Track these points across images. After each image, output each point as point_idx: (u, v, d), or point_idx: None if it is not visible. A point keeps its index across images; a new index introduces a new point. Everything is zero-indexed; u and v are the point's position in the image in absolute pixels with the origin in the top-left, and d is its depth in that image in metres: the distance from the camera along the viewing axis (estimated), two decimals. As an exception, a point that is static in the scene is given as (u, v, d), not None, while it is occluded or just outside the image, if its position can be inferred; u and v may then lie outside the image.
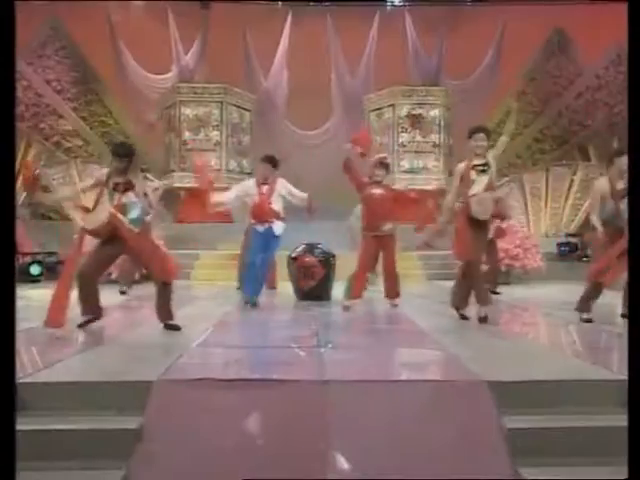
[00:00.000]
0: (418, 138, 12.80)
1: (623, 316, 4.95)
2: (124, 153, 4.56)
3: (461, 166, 5.08)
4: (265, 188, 6.15)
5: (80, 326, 4.59)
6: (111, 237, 4.48)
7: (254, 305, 6.10)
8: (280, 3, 15.49)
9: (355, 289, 5.94)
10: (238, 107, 13.13)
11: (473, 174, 4.94)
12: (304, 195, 6.33)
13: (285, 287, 7.12)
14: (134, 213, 4.46)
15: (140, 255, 4.59)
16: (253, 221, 6.20)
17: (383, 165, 6.20)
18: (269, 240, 6.12)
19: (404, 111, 12.84)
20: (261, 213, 6.09)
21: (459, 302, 5.18)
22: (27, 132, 12.83)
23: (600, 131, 14.15)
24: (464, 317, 5.14)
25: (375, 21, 14.84)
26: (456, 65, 14.11)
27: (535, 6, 13.85)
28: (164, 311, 4.62)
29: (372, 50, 14.79)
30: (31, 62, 13.64)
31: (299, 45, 14.47)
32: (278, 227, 6.11)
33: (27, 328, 4.51)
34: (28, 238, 9.64)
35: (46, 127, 13.89)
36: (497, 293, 7.25)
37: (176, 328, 4.57)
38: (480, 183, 4.91)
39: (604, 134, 14.02)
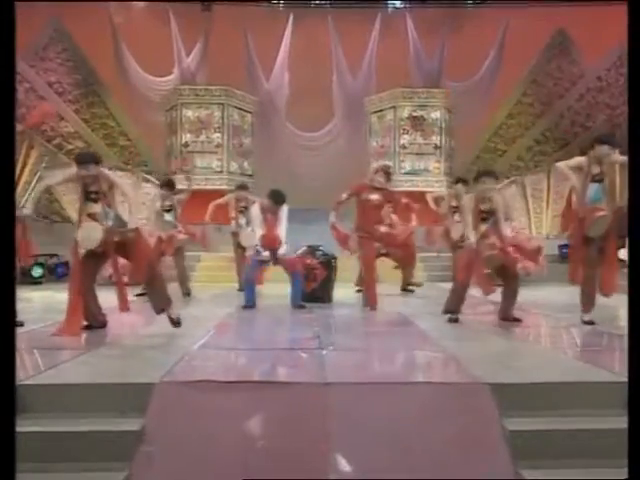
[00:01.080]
0: (419, 140, 12.80)
1: (585, 322, 4.97)
2: (86, 160, 4.58)
3: (469, 200, 5.24)
4: (270, 215, 6.27)
5: (85, 328, 4.65)
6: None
7: (254, 306, 6.22)
8: (281, 5, 15.51)
9: (371, 297, 6.13)
10: (239, 109, 13.14)
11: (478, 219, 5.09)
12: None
13: (286, 289, 7.12)
14: (108, 222, 4.54)
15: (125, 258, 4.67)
16: (261, 248, 6.28)
17: (385, 173, 6.27)
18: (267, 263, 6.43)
19: (405, 113, 12.84)
20: (271, 242, 6.18)
21: (454, 307, 5.21)
22: (29, 134, 12.84)
23: (602, 133, 14.12)
24: (454, 320, 5.16)
25: (376, 23, 14.84)
26: (457, 67, 14.10)
27: (537, 8, 13.85)
28: (158, 301, 4.65)
29: (373, 52, 14.79)
30: (33, 64, 13.66)
31: (300, 47, 14.48)
32: (281, 250, 6.25)
33: (29, 330, 4.52)
34: (30, 240, 9.62)
35: (47, 129, 13.90)
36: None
37: (175, 322, 4.62)
38: (479, 231, 5.07)
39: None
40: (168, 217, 7.20)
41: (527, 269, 9.25)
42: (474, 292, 5.52)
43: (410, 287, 7.68)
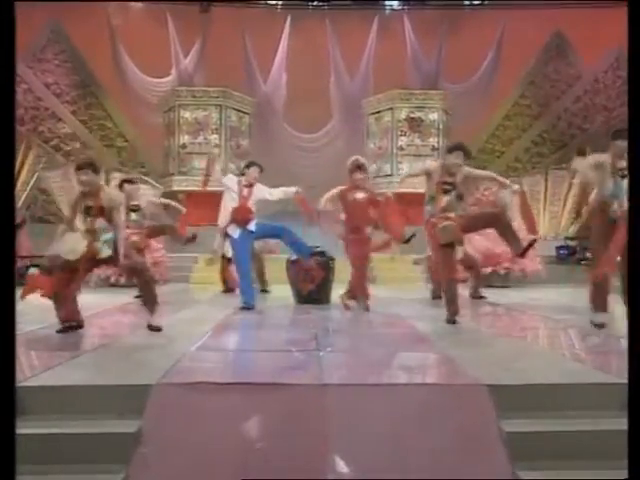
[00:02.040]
0: (417, 141, 12.82)
1: (596, 325, 4.86)
2: (86, 164, 4.50)
3: (433, 164, 5.24)
4: (246, 191, 6.32)
5: (59, 332, 4.55)
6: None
7: (253, 308, 6.17)
8: (279, 7, 15.52)
9: (363, 290, 6.15)
10: (237, 110, 13.15)
11: (436, 189, 5.01)
12: (289, 189, 6.59)
13: (284, 290, 7.12)
14: (106, 237, 4.46)
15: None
16: (232, 224, 6.25)
17: (359, 167, 6.22)
18: (248, 240, 6.34)
19: (403, 114, 12.86)
20: (243, 215, 6.22)
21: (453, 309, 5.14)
22: (26, 135, 12.84)
23: (599, 135, 14.16)
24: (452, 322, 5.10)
25: (374, 24, 14.87)
26: (455, 69, 14.14)
27: (534, 10, 13.90)
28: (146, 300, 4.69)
29: (371, 53, 14.81)
30: (31, 65, 13.66)
31: (298, 48, 14.50)
32: (251, 225, 6.25)
33: (26, 331, 4.51)
34: (27, 241, 9.62)
35: (45, 130, 13.90)
36: (482, 297, 7.24)
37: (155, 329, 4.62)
38: (439, 202, 4.99)
39: (603, 138, 14.02)
40: (134, 217, 7.12)
41: (524, 271, 9.32)
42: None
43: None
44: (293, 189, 6.59)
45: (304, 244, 6.41)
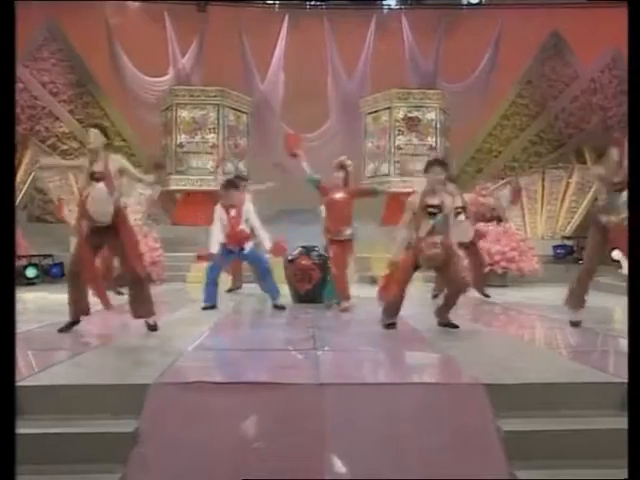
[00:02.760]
0: (414, 141, 12.82)
1: (572, 324, 4.93)
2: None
3: (412, 201, 4.78)
4: (234, 211, 6.26)
5: (61, 330, 4.60)
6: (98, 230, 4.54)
7: (213, 307, 6.21)
8: (277, 6, 15.51)
9: (343, 291, 6.09)
10: (235, 110, 13.13)
11: (424, 215, 4.67)
12: (263, 236, 6.41)
13: (281, 289, 7.11)
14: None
15: (120, 245, 4.58)
16: (227, 244, 6.27)
17: (341, 168, 6.24)
18: (244, 257, 6.45)
19: (401, 114, 12.85)
20: (236, 239, 6.22)
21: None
22: (23, 134, 12.80)
23: (596, 134, 14.20)
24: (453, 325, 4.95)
25: (372, 24, 14.86)
26: (453, 68, 14.14)
27: (531, 10, 13.91)
28: (140, 307, 4.65)
29: (369, 53, 14.80)
30: (27, 64, 13.62)
31: (296, 48, 14.48)
32: (248, 247, 6.29)
33: (24, 331, 4.50)
34: (25, 240, 9.60)
35: (42, 129, 13.87)
36: (487, 296, 7.26)
37: (153, 329, 4.64)
38: (426, 227, 4.65)
39: (600, 137, 14.07)
40: None
41: (521, 270, 9.33)
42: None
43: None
44: (268, 243, 6.38)
45: (275, 289, 6.35)
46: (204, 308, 6.18)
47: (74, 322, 4.67)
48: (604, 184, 4.82)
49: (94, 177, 4.53)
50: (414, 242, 4.72)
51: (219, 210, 6.31)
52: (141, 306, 4.64)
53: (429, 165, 4.82)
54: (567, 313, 5.16)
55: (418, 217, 4.70)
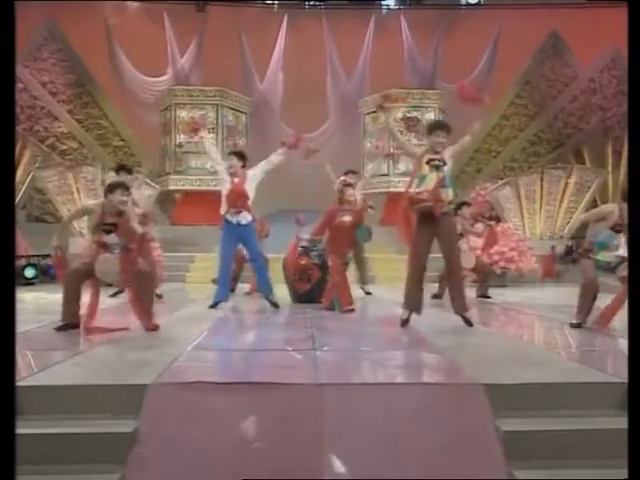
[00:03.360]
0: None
1: (572, 325, 4.94)
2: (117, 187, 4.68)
3: (420, 149, 4.99)
4: (237, 179, 6.27)
5: (58, 329, 4.64)
6: None
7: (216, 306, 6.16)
8: (276, 6, 15.51)
9: (348, 297, 6.07)
10: (234, 110, 13.13)
11: (426, 169, 4.77)
12: (272, 157, 6.76)
13: (280, 289, 7.11)
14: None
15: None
16: (227, 210, 6.19)
17: (348, 186, 6.30)
18: (237, 235, 6.25)
19: (400, 114, 12.86)
20: (236, 197, 6.15)
21: (414, 303, 4.98)
22: (22, 134, 12.80)
23: (595, 134, 14.21)
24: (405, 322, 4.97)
25: (371, 24, 14.88)
26: (452, 68, 14.13)
27: (530, 10, 13.93)
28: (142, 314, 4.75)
29: (368, 53, 14.82)
30: (27, 64, 13.61)
31: (295, 48, 14.49)
32: (245, 217, 6.18)
33: (23, 331, 4.49)
34: (24, 240, 9.59)
35: (41, 129, 13.86)
36: (488, 297, 7.28)
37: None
38: (431, 180, 4.73)
39: (599, 137, 14.09)
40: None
41: (520, 270, 9.35)
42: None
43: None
44: (279, 152, 6.73)
45: (268, 284, 6.32)
46: (211, 306, 6.15)
47: (67, 325, 4.70)
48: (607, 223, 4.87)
49: (105, 230, 4.63)
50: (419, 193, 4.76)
51: (225, 175, 6.38)
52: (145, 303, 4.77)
53: (431, 128, 4.93)
54: (565, 313, 5.17)
55: (427, 173, 4.76)
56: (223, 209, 6.25)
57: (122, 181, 5.22)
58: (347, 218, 6.12)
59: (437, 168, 4.74)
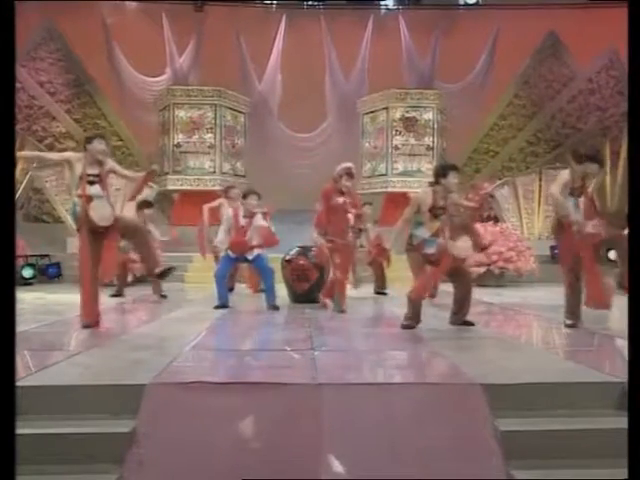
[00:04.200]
0: (412, 141, 12.82)
1: (567, 326, 4.94)
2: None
3: (421, 197, 4.86)
4: (246, 222, 6.21)
5: (85, 327, 4.75)
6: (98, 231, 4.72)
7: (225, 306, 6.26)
8: (274, 6, 15.50)
9: (344, 299, 6.11)
10: (232, 110, 13.12)
11: (431, 217, 4.77)
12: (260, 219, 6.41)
13: (278, 289, 7.11)
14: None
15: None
16: (230, 252, 6.29)
17: (348, 175, 6.16)
18: (238, 261, 6.50)
19: (398, 114, 12.86)
20: (241, 250, 6.22)
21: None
22: (20, 134, 12.77)
23: (593, 134, 14.23)
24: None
25: (369, 24, 14.87)
26: (450, 68, 14.15)
27: (528, 10, 13.93)
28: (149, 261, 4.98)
29: (366, 53, 14.81)
30: (24, 64, 13.57)
31: (293, 48, 14.48)
32: (251, 255, 6.26)
33: (21, 331, 4.49)
34: (22, 240, 9.58)
35: (39, 129, 13.83)
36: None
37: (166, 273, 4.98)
38: (431, 229, 4.77)
39: (597, 138, 14.10)
40: None
41: (519, 270, 9.35)
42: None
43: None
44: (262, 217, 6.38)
45: (273, 293, 6.33)
46: (216, 307, 6.22)
47: (91, 324, 4.79)
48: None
49: (89, 180, 4.69)
50: (417, 242, 4.80)
51: (229, 212, 6.36)
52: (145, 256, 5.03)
53: (447, 169, 4.90)
54: (564, 313, 5.17)
55: (425, 220, 4.79)
56: (222, 243, 6.30)
57: (100, 132, 5.34)
58: (342, 199, 6.09)
59: (437, 217, 4.79)
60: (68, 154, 5.00)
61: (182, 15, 14.36)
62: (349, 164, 6.24)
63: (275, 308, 6.23)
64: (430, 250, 4.77)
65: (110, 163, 4.88)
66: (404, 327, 4.88)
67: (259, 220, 6.27)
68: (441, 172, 4.89)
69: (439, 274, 5.03)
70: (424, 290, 4.99)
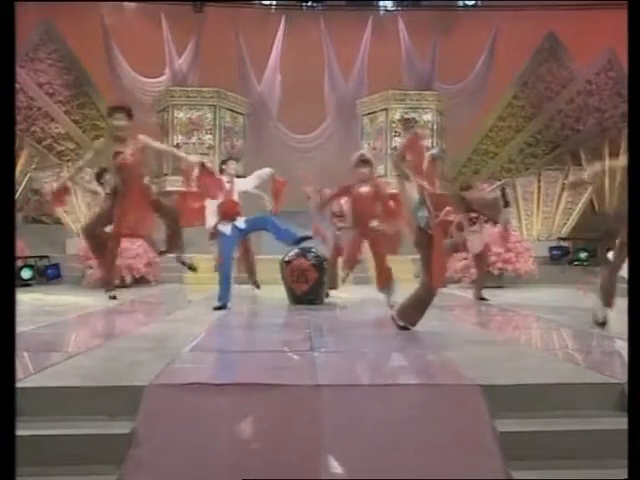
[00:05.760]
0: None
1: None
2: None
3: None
4: (228, 185, 6.45)
5: (111, 297, 4.77)
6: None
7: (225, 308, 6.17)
8: (273, 7, 15.51)
9: (335, 279, 6.21)
10: (231, 111, 13.12)
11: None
12: (262, 171, 6.75)
13: (277, 290, 7.11)
14: None
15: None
16: (222, 220, 6.26)
17: (364, 162, 6.18)
18: (236, 238, 6.42)
19: (397, 115, 12.87)
20: (231, 209, 6.30)
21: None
22: (19, 135, 12.77)
23: (591, 136, 14.25)
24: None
25: (368, 25, 14.88)
26: (449, 69, 14.17)
27: (527, 11, 13.95)
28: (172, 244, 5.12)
29: (365, 54, 14.82)
30: (23, 65, 13.57)
31: (292, 49, 14.49)
32: (241, 222, 6.31)
33: (19, 332, 4.48)
34: (21, 242, 9.58)
35: (38, 130, 13.83)
36: (485, 299, 7.28)
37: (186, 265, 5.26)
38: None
39: (595, 139, 14.12)
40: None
41: (518, 271, 9.35)
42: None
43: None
44: (267, 170, 6.68)
45: (289, 231, 6.29)
46: (215, 308, 6.11)
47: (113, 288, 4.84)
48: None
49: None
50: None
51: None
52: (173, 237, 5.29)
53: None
54: (563, 314, 5.18)
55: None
56: (211, 221, 6.29)
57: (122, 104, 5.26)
58: (364, 188, 6.07)
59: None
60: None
61: (181, 16, 14.37)
62: (362, 151, 6.30)
63: (305, 238, 6.22)
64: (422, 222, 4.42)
65: (144, 140, 4.98)
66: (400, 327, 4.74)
67: (243, 184, 6.51)
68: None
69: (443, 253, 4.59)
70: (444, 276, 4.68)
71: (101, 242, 5.43)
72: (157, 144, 5.02)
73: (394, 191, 10.25)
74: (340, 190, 6.25)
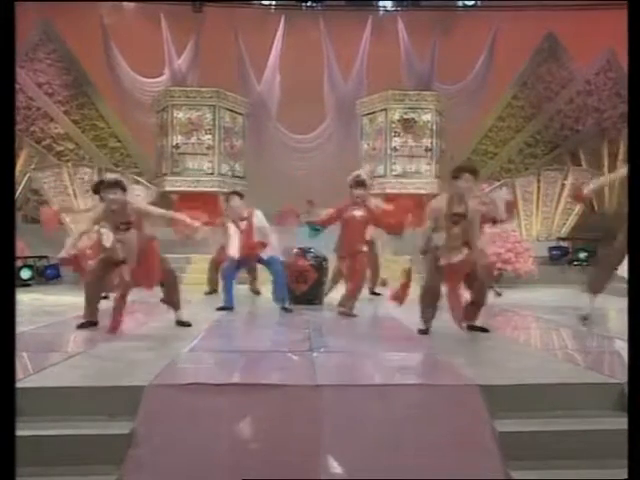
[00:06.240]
0: (410, 142, 12.81)
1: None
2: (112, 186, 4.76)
3: (437, 206, 4.57)
4: (243, 224, 6.10)
5: (80, 327, 4.81)
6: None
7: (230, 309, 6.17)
8: (273, 7, 15.52)
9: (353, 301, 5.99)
10: (231, 111, 13.09)
11: (449, 225, 4.45)
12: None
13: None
14: None
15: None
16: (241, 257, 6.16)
17: (360, 184, 6.08)
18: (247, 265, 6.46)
19: (396, 115, 12.86)
20: (252, 250, 6.09)
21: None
22: (18, 135, 12.76)
23: (591, 136, 14.26)
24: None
25: (368, 26, 14.90)
26: (448, 70, 14.18)
27: (527, 12, 13.97)
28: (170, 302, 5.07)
29: (365, 54, 14.84)
30: (22, 65, 13.57)
31: (292, 49, 14.50)
32: (268, 252, 6.15)
33: (19, 332, 4.48)
34: (20, 242, 9.57)
35: (37, 130, 13.83)
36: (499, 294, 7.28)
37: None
38: (451, 236, 4.44)
39: (595, 139, 14.13)
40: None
41: (517, 271, 9.35)
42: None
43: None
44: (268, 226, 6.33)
45: (284, 292, 6.20)
46: (219, 308, 6.14)
47: (88, 323, 4.90)
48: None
49: (121, 228, 4.75)
50: (437, 249, 4.55)
51: (231, 228, 6.14)
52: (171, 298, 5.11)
53: (458, 171, 4.51)
54: (562, 314, 5.18)
55: (441, 224, 4.51)
56: (234, 254, 6.11)
57: (116, 179, 5.20)
58: (358, 213, 5.99)
59: (456, 224, 4.44)
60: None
61: (181, 16, 14.37)
62: (358, 172, 6.08)
63: (288, 310, 6.06)
64: (453, 259, 4.44)
65: (140, 207, 4.97)
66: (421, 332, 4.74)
67: (261, 220, 6.17)
68: (453, 174, 4.51)
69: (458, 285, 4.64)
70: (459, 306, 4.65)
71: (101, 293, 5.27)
72: (153, 210, 5.05)
73: (393, 192, 10.22)
74: (336, 212, 6.11)
